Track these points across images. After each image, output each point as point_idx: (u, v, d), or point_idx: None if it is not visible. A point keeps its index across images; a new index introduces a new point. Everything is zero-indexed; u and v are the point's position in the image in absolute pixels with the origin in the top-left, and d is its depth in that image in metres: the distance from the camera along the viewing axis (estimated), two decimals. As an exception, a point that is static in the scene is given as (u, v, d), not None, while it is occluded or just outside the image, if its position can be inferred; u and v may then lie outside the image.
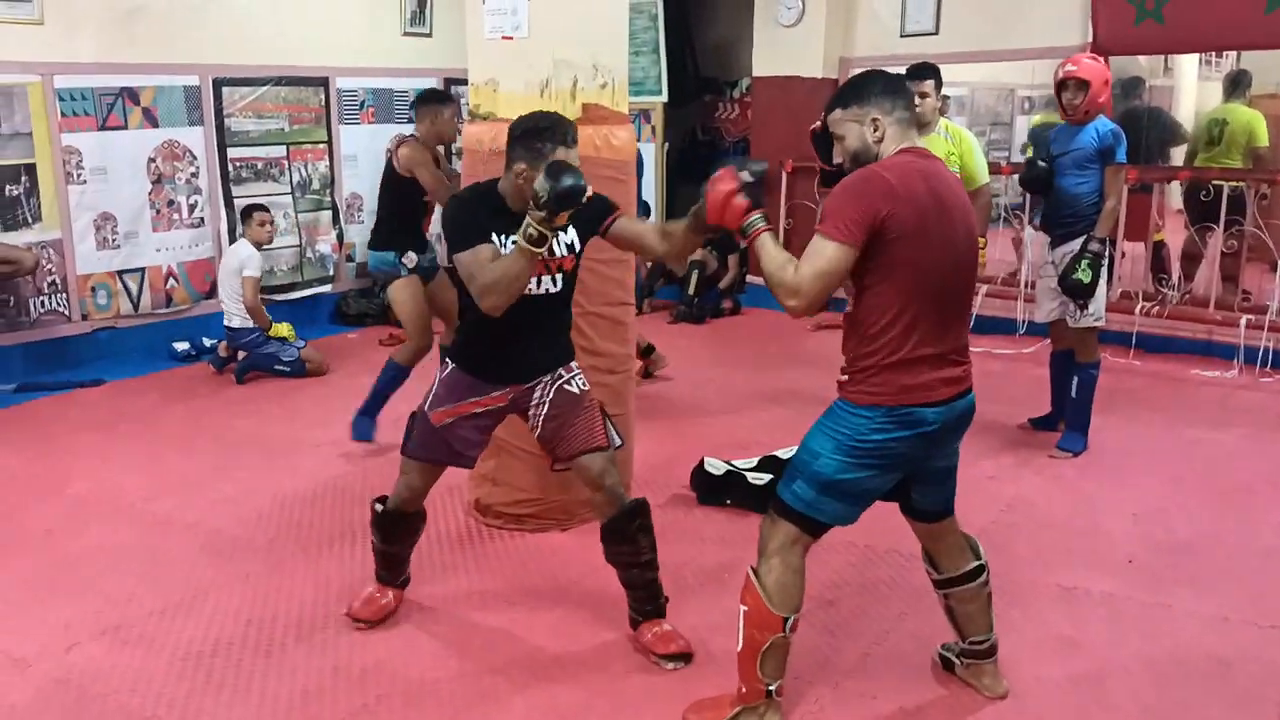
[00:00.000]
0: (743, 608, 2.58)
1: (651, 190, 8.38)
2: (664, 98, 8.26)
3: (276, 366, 6.03)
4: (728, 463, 4.24)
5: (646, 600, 3.11)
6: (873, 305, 2.44)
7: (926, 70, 4.73)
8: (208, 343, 6.50)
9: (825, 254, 2.36)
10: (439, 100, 4.90)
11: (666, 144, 8.47)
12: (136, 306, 6.50)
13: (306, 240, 7.32)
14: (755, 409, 5.41)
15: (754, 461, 4.26)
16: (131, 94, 6.33)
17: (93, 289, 6.29)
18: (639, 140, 8.33)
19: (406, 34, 7.70)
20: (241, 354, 6.10)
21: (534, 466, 3.83)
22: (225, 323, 6.10)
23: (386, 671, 3.00)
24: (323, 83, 7.22)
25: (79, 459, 4.76)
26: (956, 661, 2.93)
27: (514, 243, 2.74)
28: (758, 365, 6.36)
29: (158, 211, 6.53)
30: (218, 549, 3.80)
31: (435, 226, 4.95)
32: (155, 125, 6.45)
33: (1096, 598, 3.40)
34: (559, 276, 3.00)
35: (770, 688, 2.61)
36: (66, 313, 6.20)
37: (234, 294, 6.02)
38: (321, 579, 3.54)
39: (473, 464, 3.23)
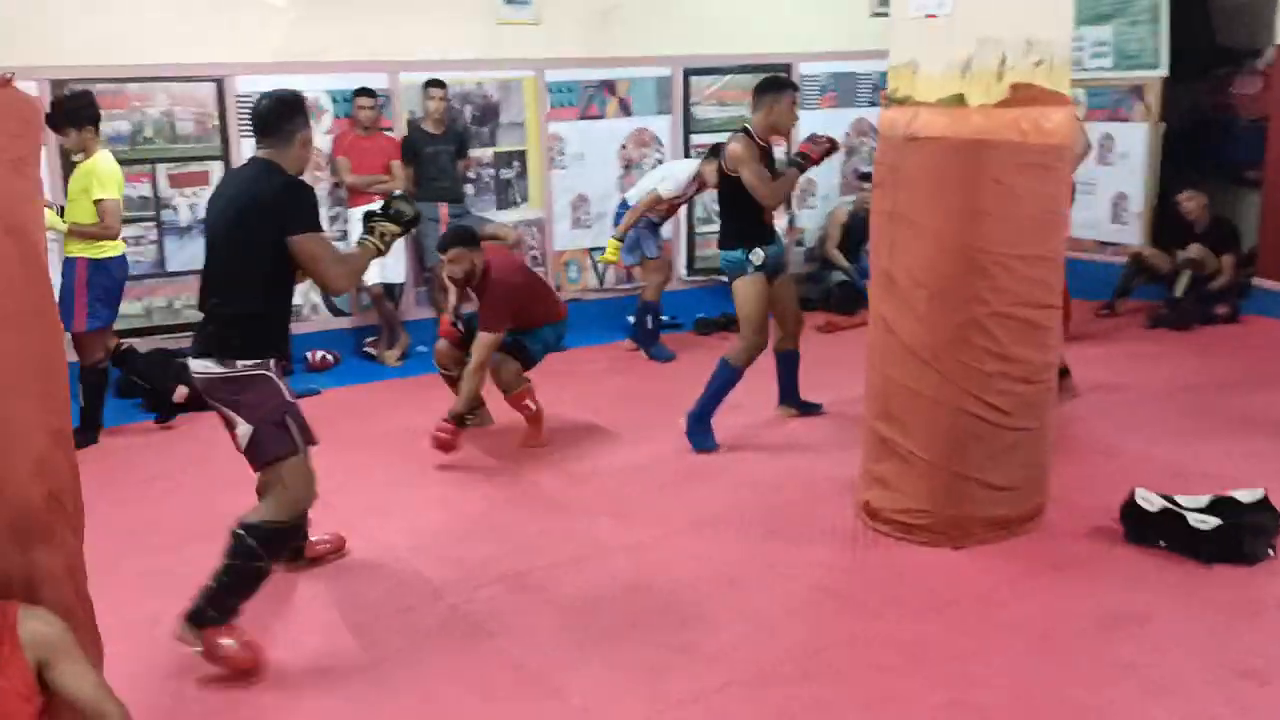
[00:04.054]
0: None
1: (1139, 177, 7.42)
2: (1163, 71, 7.25)
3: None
4: (1167, 497, 3.63)
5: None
6: None
7: None
8: (665, 319, 6.82)
9: None
10: (778, 88, 4.62)
11: (1164, 124, 7.42)
12: (602, 281, 7.09)
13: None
14: (1225, 436, 4.58)
15: (1203, 501, 3.62)
16: (610, 85, 6.88)
17: (565, 264, 6.97)
18: (1130, 119, 7.46)
19: (875, 15, 7.54)
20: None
21: (927, 474, 3.59)
22: None
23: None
24: (785, 69, 7.30)
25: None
26: None
27: (362, 243, 3.25)
28: (1245, 384, 5.37)
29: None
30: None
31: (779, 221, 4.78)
32: (629, 114, 6.97)
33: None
34: None
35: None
36: (542, 285, 6.93)
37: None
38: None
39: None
